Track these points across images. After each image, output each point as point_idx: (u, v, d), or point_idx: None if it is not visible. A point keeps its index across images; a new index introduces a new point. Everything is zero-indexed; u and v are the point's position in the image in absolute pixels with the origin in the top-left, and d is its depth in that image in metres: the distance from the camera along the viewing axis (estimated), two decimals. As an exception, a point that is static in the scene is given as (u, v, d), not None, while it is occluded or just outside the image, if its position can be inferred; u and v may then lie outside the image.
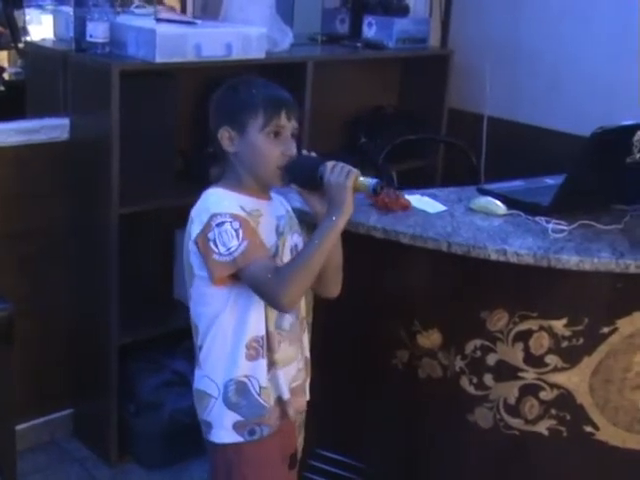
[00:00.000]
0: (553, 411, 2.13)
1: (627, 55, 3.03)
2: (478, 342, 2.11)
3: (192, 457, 2.75)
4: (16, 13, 3.52)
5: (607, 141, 2.07)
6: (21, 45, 3.34)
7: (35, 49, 2.90)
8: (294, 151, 1.76)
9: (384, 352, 2.23)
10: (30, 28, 3.33)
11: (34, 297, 2.67)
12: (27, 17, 3.36)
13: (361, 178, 1.74)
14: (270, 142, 1.74)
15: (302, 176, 1.77)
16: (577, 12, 3.20)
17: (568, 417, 2.14)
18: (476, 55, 3.43)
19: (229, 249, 1.67)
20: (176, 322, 2.88)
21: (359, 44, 3.22)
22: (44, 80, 2.74)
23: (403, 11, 3.32)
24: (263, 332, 1.78)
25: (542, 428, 2.15)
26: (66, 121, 2.60)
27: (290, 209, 1.91)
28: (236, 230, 1.68)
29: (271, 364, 1.80)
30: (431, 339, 2.16)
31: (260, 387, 1.79)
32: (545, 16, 3.29)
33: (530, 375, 2.11)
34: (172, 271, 2.95)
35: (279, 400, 1.83)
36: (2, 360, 2.23)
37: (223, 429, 1.80)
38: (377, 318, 2.21)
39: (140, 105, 2.57)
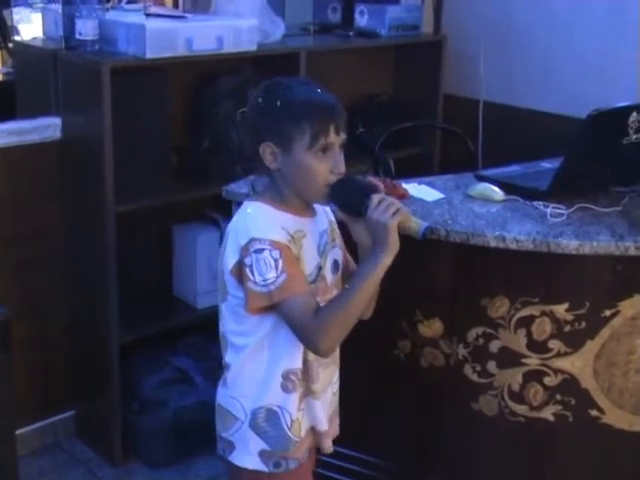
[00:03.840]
0: (558, 396, 2.12)
1: (621, 36, 3.01)
2: (480, 330, 2.10)
3: (198, 454, 2.74)
4: (5, 12, 3.49)
5: (603, 123, 2.05)
6: (11, 45, 3.31)
7: (24, 48, 2.88)
8: (343, 168, 1.62)
9: (386, 343, 2.21)
10: (20, 27, 3.30)
11: (32, 299, 2.65)
12: (17, 16, 3.33)
13: (412, 220, 1.62)
14: (318, 160, 1.60)
15: (346, 203, 1.65)
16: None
17: (573, 402, 2.13)
18: (470, 40, 3.40)
19: (265, 280, 1.56)
20: (176, 319, 2.88)
21: (351, 33, 3.20)
22: (34, 80, 2.71)
23: (395, -2, 3.29)
24: (300, 364, 1.68)
25: (548, 414, 2.14)
26: (58, 120, 2.58)
27: (333, 219, 1.79)
28: (275, 260, 1.55)
29: (307, 394, 1.71)
30: (433, 328, 2.15)
31: (292, 420, 1.69)
32: (538, -2, 3.27)
33: (534, 361, 2.10)
34: (171, 268, 2.94)
35: (312, 430, 1.74)
36: (1, 364, 2.21)
37: (248, 454, 1.71)
38: (378, 309, 2.19)
39: (132, 102, 2.55)
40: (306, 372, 1.70)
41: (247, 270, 1.57)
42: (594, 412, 2.14)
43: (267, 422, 1.69)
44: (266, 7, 2.88)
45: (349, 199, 1.65)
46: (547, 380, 2.11)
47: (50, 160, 2.60)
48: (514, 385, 2.12)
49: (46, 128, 2.58)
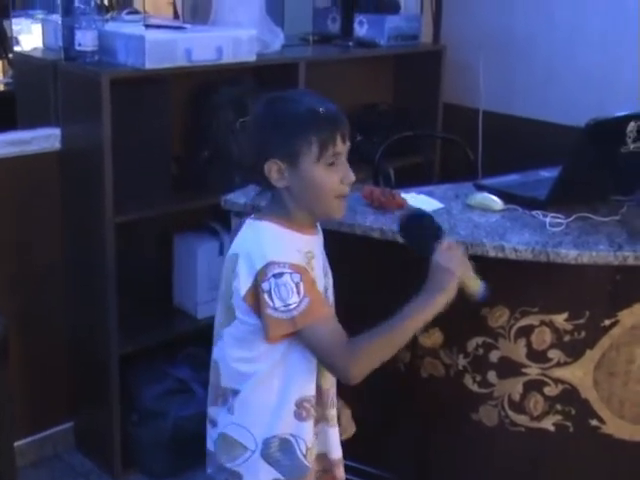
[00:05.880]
0: (558, 406, 2.12)
1: (620, 45, 3.01)
2: (480, 339, 2.10)
3: (198, 465, 2.72)
4: (5, 23, 3.50)
5: (601, 132, 2.05)
6: (11, 55, 3.32)
7: (24, 59, 2.89)
8: (353, 177, 1.58)
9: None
10: (20, 38, 3.31)
11: (31, 310, 2.65)
12: (17, 27, 3.34)
13: (472, 277, 1.60)
14: (327, 172, 1.55)
15: (415, 241, 1.65)
16: (571, 2, 3.17)
17: (573, 412, 2.12)
18: (469, 49, 3.41)
19: (287, 305, 1.48)
20: (176, 329, 2.87)
21: (351, 43, 3.21)
22: (34, 90, 2.72)
23: (394, 8, 3.31)
24: (314, 392, 1.63)
25: (548, 424, 2.13)
26: (57, 131, 2.59)
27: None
28: (297, 284, 1.48)
29: (321, 420, 1.67)
30: (432, 338, 2.14)
31: (307, 448, 1.63)
32: (537, 6, 3.28)
33: (534, 371, 2.09)
34: (171, 278, 2.93)
35: (323, 457, 1.70)
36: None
37: None
38: (376, 319, 2.19)
39: (132, 112, 2.55)
40: (320, 399, 1.65)
41: (265, 296, 1.50)
42: (594, 422, 2.13)
43: (281, 452, 1.62)
44: (265, 17, 2.89)
45: (420, 238, 1.63)
46: (547, 390, 2.10)
47: (50, 170, 2.61)
48: (514, 395, 2.12)
49: (46, 138, 2.58)
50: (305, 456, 1.64)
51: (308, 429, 1.63)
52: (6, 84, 3.37)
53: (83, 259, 2.67)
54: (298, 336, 1.54)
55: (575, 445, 2.15)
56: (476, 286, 1.61)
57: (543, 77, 3.27)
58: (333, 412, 1.68)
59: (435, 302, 1.54)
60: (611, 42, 3.06)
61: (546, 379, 2.10)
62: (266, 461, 1.62)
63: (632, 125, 2.05)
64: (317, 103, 1.57)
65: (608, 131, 2.09)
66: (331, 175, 1.56)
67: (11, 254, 2.58)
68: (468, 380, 2.14)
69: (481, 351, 2.10)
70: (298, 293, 1.49)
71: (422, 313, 1.55)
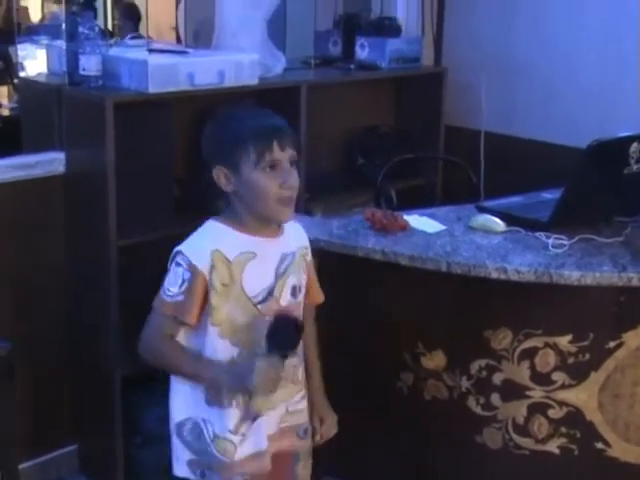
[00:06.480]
0: (563, 429, 2.11)
1: (622, 66, 3.02)
2: (483, 362, 2.09)
3: (201, 488, 2.72)
4: (11, 49, 3.53)
5: (603, 153, 2.06)
6: (16, 80, 3.34)
7: (29, 84, 2.90)
8: (294, 181, 1.69)
9: (388, 375, 2.20)
10: (25, 63, 3.34)
11: (33, 332, 2.64)
12: (22, 52, 3.36)
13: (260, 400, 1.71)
14: (267, 177, 1.68)
15: (271, 340, 1.69)
16: (571, 23, 3.19)
17: (578, 435, 2.11)
18: (470, 71, 3.42)
19: (169, 290, 1.71)
20: (179, 352, 2.86)
21: (352, 66, 3.22)
22: (39, 115, 2.73)
23: (395, 31, 3.31)
24: None
25: (553, 447, 2.12)
26: (62, 155, 2.59)
27: (307, 245, 1.85)
28: (184, 280, 1.69)
29: (249, 416, 1.75)
30: (435, 360, 2.14)
31: (215, 435, 1.76)
32: (538, 28, 3.29)
33: (538, 393, 2.09)
34: (174, 300, 2.93)
35: (256, 454, 1.78)
36: (4, 398, 2.20)
37: (180, 463, 1.81)
38: (380, 342, 2.19)
39: (135, 136, 2.56)
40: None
41: (165, 277, 1.73)
42: (600, 445, 2.12)
43: (191, 435, 1.78)
44: (267, 41, 2.90)
45: (275, 340, 1.68)
46: (551, 412, 2.10)
47: (54, 194, 2.61)
48: (518, 418, 2.11)
49: (50, 162, 2.59)
50: (213, 442, 1.75)
51: (220, 417, 1.74)
52: (11, 109, 3.39)
53: (86, 282, 2.67)
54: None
55: (580, 468, 2.14)
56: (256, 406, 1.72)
57: (545, 98, 3.28)
58: (261, 404, 1.74)
59: (223, 384, 1.70)
60: (611, 62, 3.07)
61: (550, 402, 2.09)
62: (181, 441, 1.80)
63: (635, 146, 2.06)
64: (256, 116, 1.76)
65: (611, 152, 2.09)
66: (270, 180, 1.68)
67: (15, 277, 2.59)
68: (472, 402, 2.13)
69: (484, 373, 2.10)
70: (180, 287, 1.69)
71: (208, 376, 1.71)
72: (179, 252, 1.72)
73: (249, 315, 1.73)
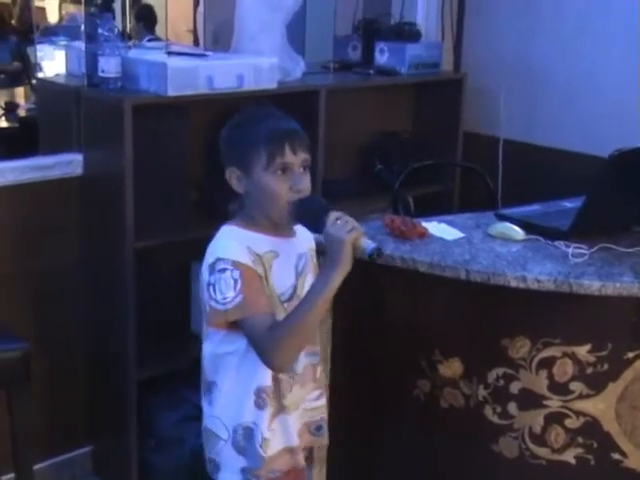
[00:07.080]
0: (580, 439, 2.09)
1: (640, 73, 3.00)
2: (500, 370, 2.08)
3: (213, 492, 2.71)
4: (29, 49, 3.55)
5: (625, 163, 2.04)
6: (34, 81, 3.36)
7: (47, 85, 2.91)
8: (304, 185, 1.69)
9: (405, 383, 2.19)
10: (43, 64, 3.35)
11: (50, 334, 2.65)
12: (40, 53, 3.38)
13: (362, 239, 1.63)
14: (277, 179, 1.68)
15: (307, 220, 1.72)
16: (591, 30, 3.17)
17: (595, 445, 2.09)
18: (490, 77, 3.41)
19: (225, 298, 1.65)
20: (194, 355, 2.82)
21: (371, 71, 3.22)
22: (57, 116, 2.74)
23: (415, 36, 3.31)
24: (270, 382, 1.74)
25: (569, 457, 2.10)
26: (79, 157, 2.60)
27: (314, 247, 1.85)
28: (235, 280, 1.64)
29: (280, 410, 1.77)
30: (452, 368, 2.12)
31: (263, 438, 1.76)
32: (558, 35, 3.27)
33: (555, 403, 2.07)
34: (189, 304, 2.93)
35: (288, 449, 1.80)
36: (20, 399, 2.21)
37: (232, 473, 1.78)
38: (397, 348, 2.18)
39: (153, 138, 2.57)
40: (277, 389, 1.75)
41: (210, 289, 1.67)
42: (616, 456, 2.10)
43: (245, 440, 1.75)
44: (286, 45, 2.90)
45: (309, 216, 1.70)
46: (568, 422, 2.08)
47: (71, 195, 2.62)
48: (535, 427, 2.09)
49: (68, 164, 2.60)
50: (261, 446, 1.75)
51: (265, 418, 1.75)
52: (28, 110, 3.41)
53: (103, 284, 2.68)
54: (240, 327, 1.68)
55: (596, 479, 2.12)
56: (365, 247, 1.63)
57: (564, 105, 3.27)
58: (287, 401, 1.76)
59: (331, 279, 1.62)
60: (632, 70, 3.04)
61: (567, 411, 2.07)
62: (235, 449, 1.77)
63: (656, 156, 2.04)
64: (271, 119, 1.74)
65: (632, 162, 2.07)
66: (280, 183, 1.68)
67: (31, 278, 2.59)
68: (488, 411, 2.11)
69: (502, 382, 2.08)
70: (235, 289, 1.64)
71: (323, 294, 1.63)
72: (218, 259, 1.67)
73: (277, 314, 1.72)
